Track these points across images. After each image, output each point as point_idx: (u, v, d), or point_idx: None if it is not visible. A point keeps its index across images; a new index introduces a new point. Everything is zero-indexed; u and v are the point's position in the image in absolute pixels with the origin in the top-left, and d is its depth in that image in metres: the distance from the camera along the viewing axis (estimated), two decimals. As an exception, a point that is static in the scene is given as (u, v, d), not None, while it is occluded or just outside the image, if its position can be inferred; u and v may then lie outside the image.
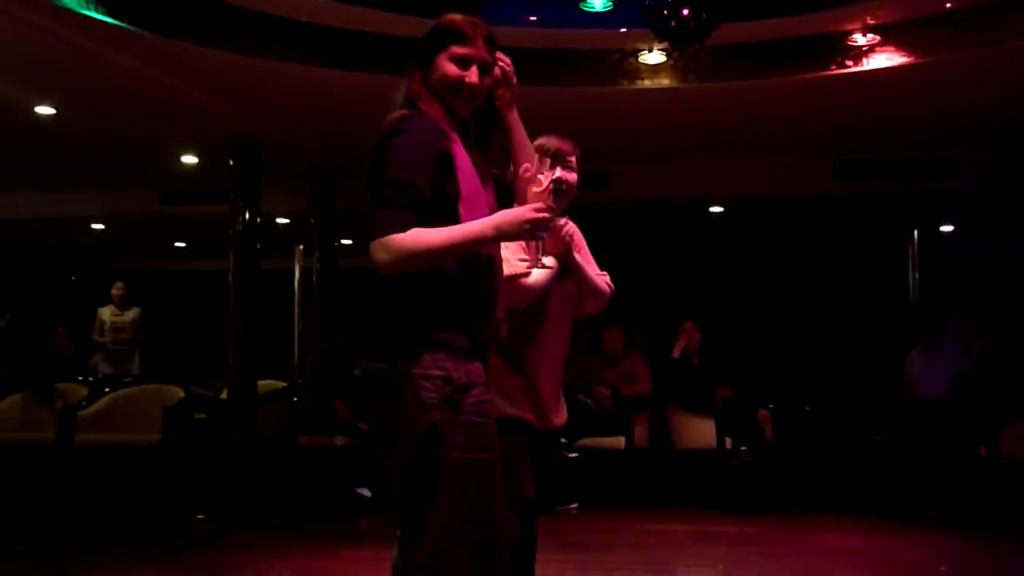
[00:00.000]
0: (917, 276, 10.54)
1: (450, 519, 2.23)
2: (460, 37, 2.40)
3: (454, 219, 2.27)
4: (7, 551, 5.97)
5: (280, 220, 11.32)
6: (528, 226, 2.26)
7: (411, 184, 2.24)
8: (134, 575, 5.75)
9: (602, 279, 3.20)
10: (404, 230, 2.20)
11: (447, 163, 2.31)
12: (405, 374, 2.25)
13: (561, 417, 3.14)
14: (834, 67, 6.70)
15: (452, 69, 2.39)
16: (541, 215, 2.26)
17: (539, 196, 2.33)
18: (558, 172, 2.44)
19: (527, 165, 2.45)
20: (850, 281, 12.86)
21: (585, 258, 3.17)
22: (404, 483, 2.29)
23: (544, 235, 2.35)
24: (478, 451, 2.28)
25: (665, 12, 5.32)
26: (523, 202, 2.38)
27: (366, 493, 7.77)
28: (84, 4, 5.59)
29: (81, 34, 5.93)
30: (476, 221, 2.28)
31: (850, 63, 6.65)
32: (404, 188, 2.23)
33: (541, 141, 3.04)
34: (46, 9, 5.56)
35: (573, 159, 3.10)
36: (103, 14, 5.69)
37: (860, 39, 6.42)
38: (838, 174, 9.16)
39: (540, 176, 2.36)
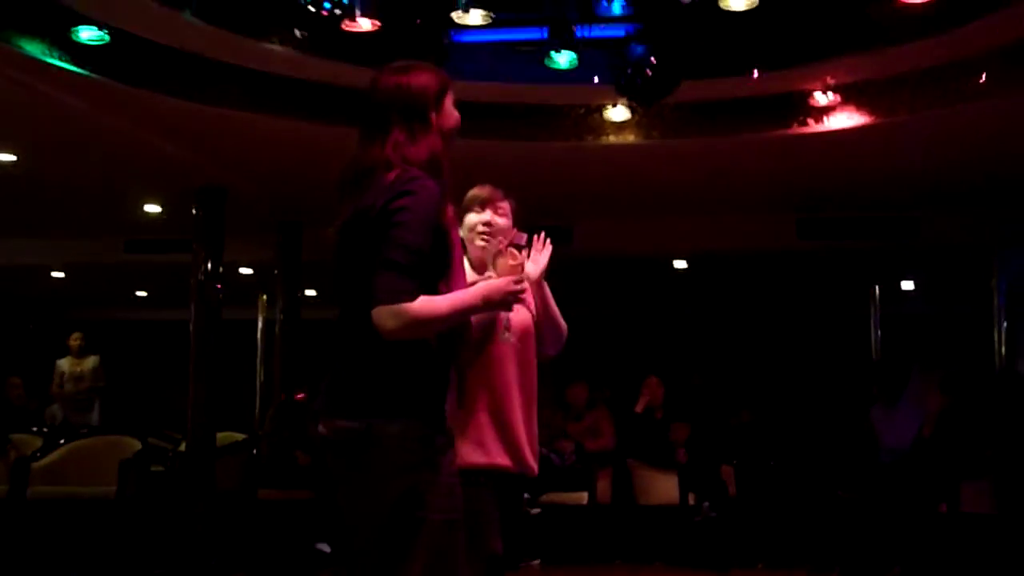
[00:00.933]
0: (879, 333, 10.63)
1: None
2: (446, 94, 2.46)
3: (433, 287, 2.29)
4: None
5: (244, 270, 11.26)
6: (510, 298, 2.37)
7: (420, 251, 2.24)
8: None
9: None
10: (414, 298, 2.21)
11: (442, 235, 2.31)
12: (383, 434, 2.23)
13: (535, 462, 3.10)
14: (796, 125, 6.80)
15: (456, 116, 2.45)
16: (519, 287, 2.38)
17: (514, 269, 2.46)
18: (524, 239, 2.50)
19: (501, 239, 2.49)
20: (812, 337, 12.94)
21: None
22: (376, 544, 2.24)
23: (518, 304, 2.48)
24: (454, 512, 2.29)
25: (629, 71, 5.39)
26: (499, 273, 2.48)
27: (325, 548, 7.64)
28: (48, 52, 5.58)
29: (44, 82, 5.91)
30: (465, 291, 2.34)
31: (812, 121, 6.75)
32: (414, 254, 2.22)
33: (474, 191, 3.11)
34: (9, 55, 5.54)
35: (504, 205, 3.12)
36: (67, 62, 5.67)
37: (821, 98, 6.52)
38: (801, 231, 9.24)
39: (512, 249, 2.48)
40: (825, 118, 6.72)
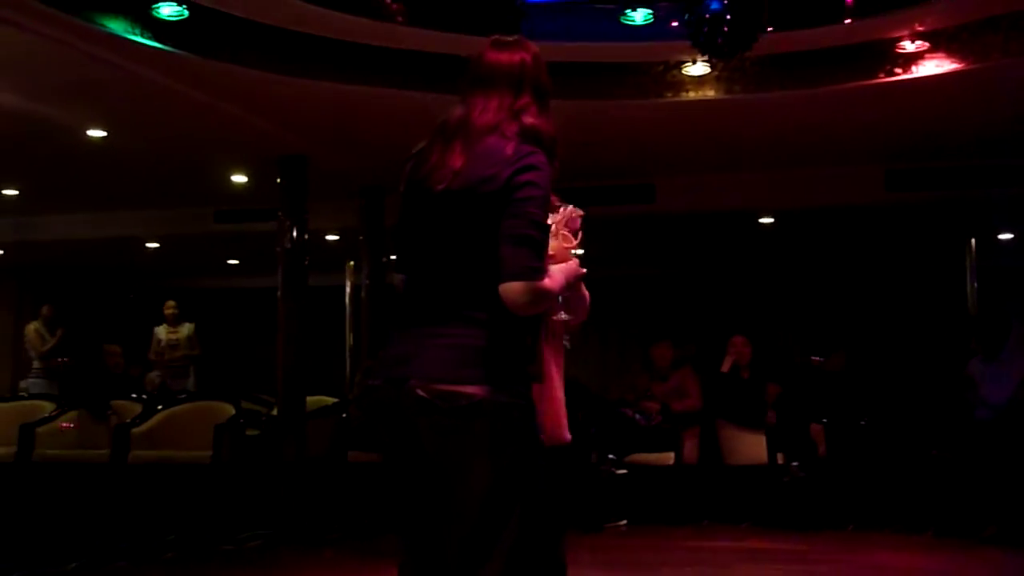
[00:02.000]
0: (975, 286, 10.30)
1: (520, 548, 2.25)
2: None
3: None
4: (62, 567, 6.05)
5: (330, 237, 11.41)
6: (580, 281, 2.46)
7: (547, 227, 2.30)
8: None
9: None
10: (544, 276, 2.26)
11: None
12: (492, 403, 2.25)
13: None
14: (882, 75, 6.59)
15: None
16: (583, 271, 2.45)
17: (568, 251, 2.43)
18: (579, 223, 2.47)
19: (556, 217, 2.46)
20: (905, 292, 12.63)
21: None
22: (478, 509, 2.26)
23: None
24: (547, 482, 2.33)
25: (706, 27, 5.27)
26: (555, 255, 2.44)
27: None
28: (130, 29, 5.70)
29: (128, 58, 6.04)
30: (555, 272, 2.36)
31: (899, 71, 6.54)
32: (544, 230, 2.28)
33: None
34: (93, 35, 5.67)
35: None
36: (148, 38, 5.79)
37: (909, 46, 6.30)
38: (890, 183, 9.00)
39: (566, 232, 2.45)
40: (913, 66, 6.51)
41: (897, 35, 6.32)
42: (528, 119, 2.36)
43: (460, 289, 2.32)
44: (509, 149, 2.29)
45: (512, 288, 2.22)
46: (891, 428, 7.85)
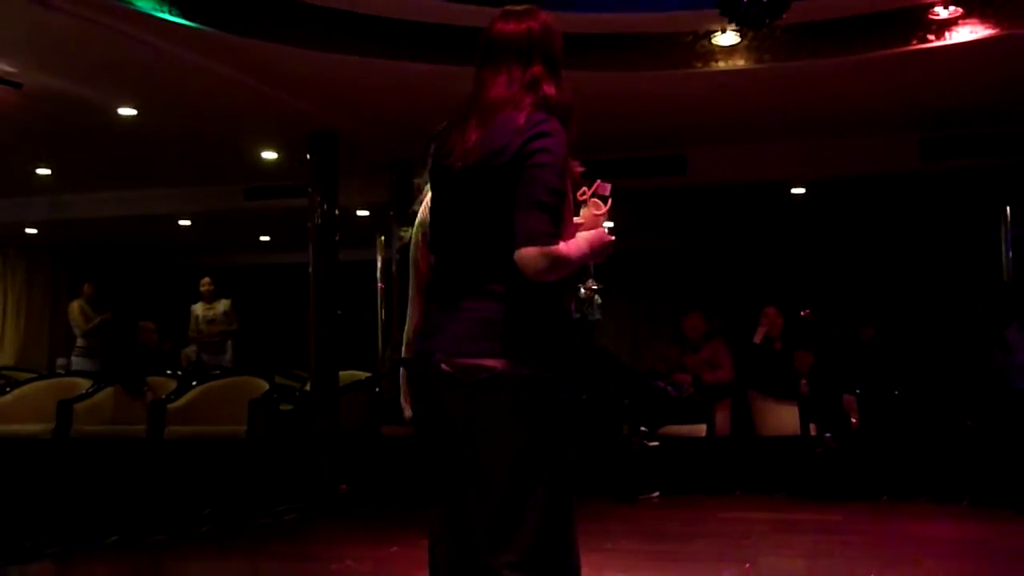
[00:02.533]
0: (1010, 255, 10.18)
1: (549, 518, 2.28)
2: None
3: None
4: (101, 541, 6.15)
5: (360, 212, 11.44)
6: (608, 248, 2.39)
7: (561, 193, 2.27)
8: (224, 565, 5.86)
9: None
10: (558, 241, 2.25)
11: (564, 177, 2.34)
12: (514, 375, 2.26)
13: None
14: (915, 42, 6.48)
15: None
16: (612, 238, 2.40)
17: (598, 219, 2.41)
18: (608, 190, 2.46)
19: (584, 188, 2.45)
20: (939, 262, 12.50)
21: None
22: (504, 482, 2.29)
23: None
24: (572, 453, 2.35)
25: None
26: (584, 222, 2.43)
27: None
28: (158, 7, 5.71)
29: (157, 36, 6.06)
30: (579, 238, 2.35)
31: (932, 37, 6.43)
32: (558, 195, 2.26)
33: None
34: (122, 13, 5.69)
35: None
36: (177, 15, 5.80)
37: (942, 12, 6.20)
38: (924, 152, 8.88)
39: (596, 199, 2.42)
40: (947, 32, 6.39)
41: (930, 1, 6.21)
42: (540, 89, 2.36)
43: (480, 263, 2.34)
44: (521, 119, 2.30)
45: (526, 254, 2.21)
46: (925, 398, 7.81)
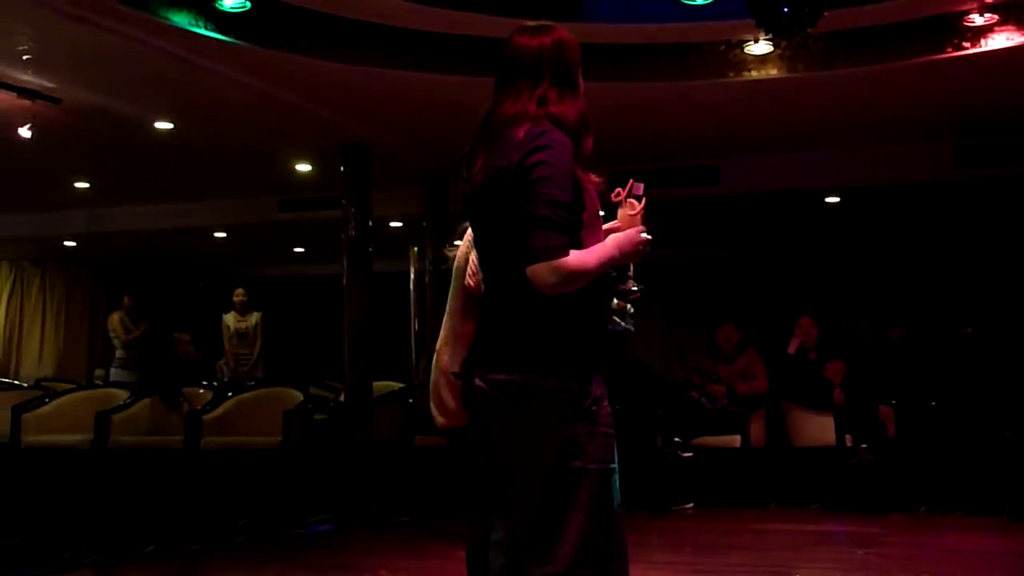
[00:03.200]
0: (1050, 264, 10.07)
1: (588, 530, 2.28)
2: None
3: (576, 239, 2.31)
4: (138, 551, 6.21)
5: (393, 223, 11.49)
6: (641, 248, 2.37)
7: (566, 204, 2.26)
8: (260, 575, 5.89)
9: None
10: (567, 252, 2.23)
11: (576, 186, 2.32)
12: (542, 387, 2.28)
13: None
14: (950, 49, 6.43)
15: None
16: (647, 237, 2.38)
17: (633, 219, 2.41)
18: (641, 190, 2.46)
19: (618, 190, 2.45)
20: (975, 271, 12.37)
21: None
22: (537, 494, 2.30)
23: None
24: (611, 462, 2.35)
25: (769, 5, 5.20)
26: (620, 223, 2.44)
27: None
28: (194, 22, 5.78)
29: (193, 51, 6.13)
30: (604, 243, 2.34)
31: (967, 45, 6.38)
32: (562, 207, 2.25)
33: None
34: (158, 28, 5.77)
35: None
36: (212, 31, 5.87)
37: (977, 19, 6.15)
38: (960, 160, 8.80)
39: (631, 200, 2.42)
40: (982, 39, 6.34)
41: (965, 8, 6.16)
42: (548, 105, 2.37)
43: (506, 279, 2.37)
44: (520, 133, 2.31)
45: (534, 270, 2.23)
46: (963, 409, 7.71)
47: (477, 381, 2.36)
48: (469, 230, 2.83)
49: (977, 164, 8.78)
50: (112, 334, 11.35)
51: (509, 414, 2.32)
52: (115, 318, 11.38)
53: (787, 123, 8.29)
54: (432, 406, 2.88)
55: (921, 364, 8.33)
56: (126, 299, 11.51)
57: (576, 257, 2.25)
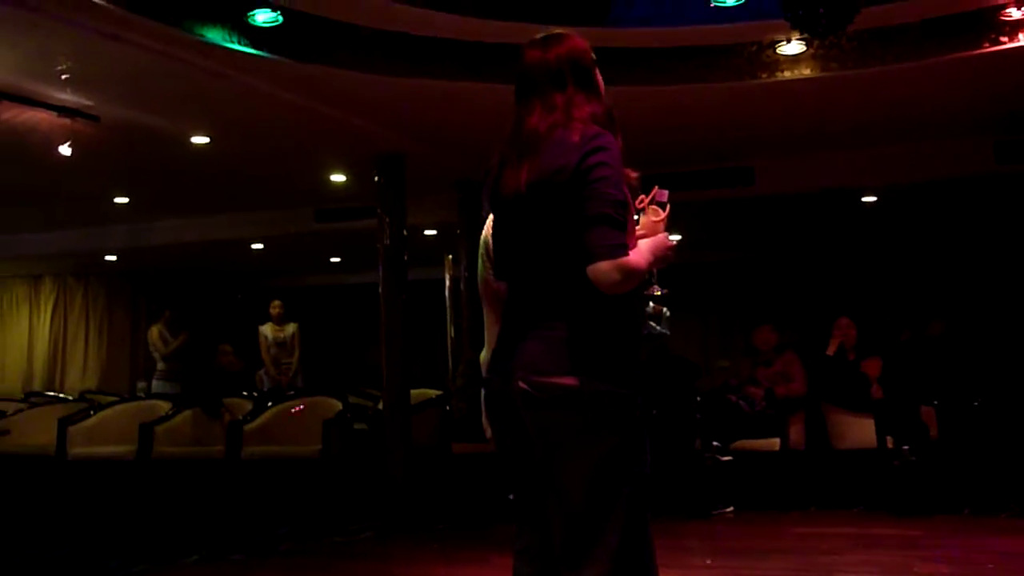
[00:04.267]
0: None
1: (628, 536, 2.30)
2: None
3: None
4: (182, 560, 6.27)
5: (428, 232, 11.54)
6: (670, 253, 2.42)
7: (624, 204, 2.31)
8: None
9: None
10: (628, 252, 2.28)
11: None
12: (595, 391, 2.29)
13: None
14: (987, 44, 6.36)
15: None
16: (673, 243, 2.43)
17: (656, 225, 2.44)
18: (666, 196, 2.48)
19: (642, 196, 2.47)
20: (1018, 268, 12.20)
21: None
22: (583, 499, 2.31)
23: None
24: (648, 467, 2.37)
25: (802, 4, 5.17)
26: (644, 229, 2.46)
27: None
28: (228, 38, 5.85)
29: (227, 66, 6.20)
30: (642, 245, 2.37)
31: (1005, 39, 6.30)
32: (624, 207, 2.30)
33: None
34: (194, 45, 5.84)
35: None
36: (246, 46, 5.94)
37: (1014, 13, 6.07)
38: (999, 155, 8.68)
39: (655, 206, 2.46)
40: (1020, 33, 6.26)
41: (1002, 2, 6.09)
42: (583, 108, 2.41)
43: (551, 283, 2.37)
44: (575, 136, 2.34)
45: (599, 268, 2.25)
46: (1007, 408, 7.61)
47: (520, 384, 2.35)
48: (487, 227, 2.84)
49: (1017, 159, 8.66)
50: (152, 347, 11.49)
51: (557, 419, 2.32)
52: (154, 331, 11.52)
53: (821, 123, 8.24)
54: (483, 416, 2.88)
55: (963, 362, 8.22)
56: (166, 313, 11.65)
57: (634, 256, 2.30)
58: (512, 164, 2.42)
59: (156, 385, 11.13)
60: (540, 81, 2.46)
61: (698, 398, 8.13)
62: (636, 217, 2.45)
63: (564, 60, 2.46)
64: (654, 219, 2.43)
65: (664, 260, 2.42)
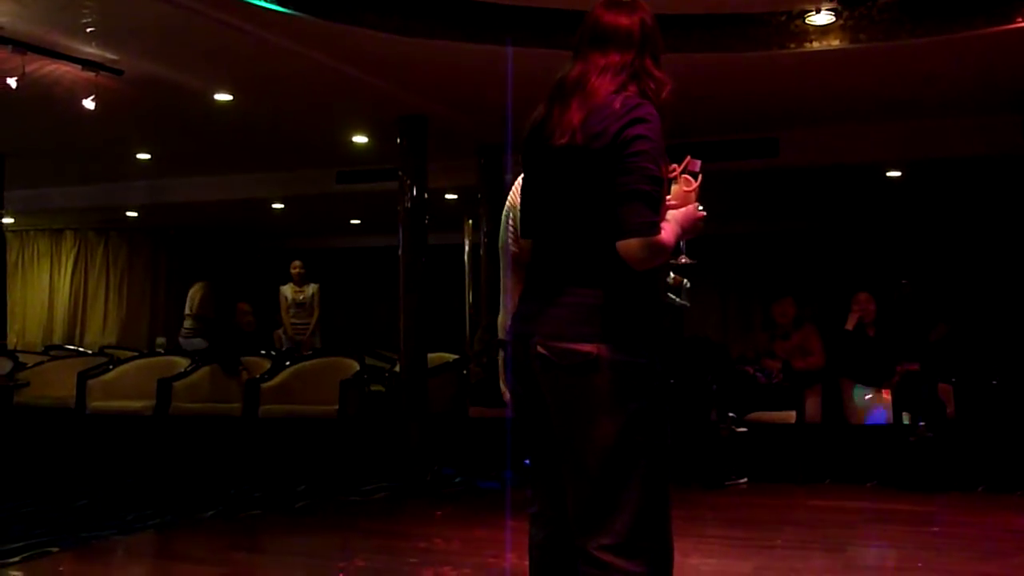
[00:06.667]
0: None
1: (644, 504, 2.30)
2: None
3: None
4: (199, 515, 6.34)
5: (449, 196, 11.53)
6: (700, 224, 2.42)
7: (660, 179, 2.29)
8: (316, 540, 5.98)
9: None
10: (660, 229, 2.27)
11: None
12: (614, 359, 2.29)
13: None
14: (1019, 19, 6.25)
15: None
16: (704, 214, 2.42)
17: (688, 195, 2.41)
18: (698, 166, 2.45)
19: (673, 165, 2.45)
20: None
21: None
22: (599, 466, 2.31)
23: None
24: (667, 437, 2.37)
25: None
26: (675, 199, 2.44)
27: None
28: (255, -6, 5.82)
29: (252, 23, 6.17)
30: (668, 220, 2.36)
31: (1038, 14, 6.22)
32: (658, 183, 2.28)
33: None
34: (220, 1, 5.82)
35: None
36: (272, 3, 5.91)
37: (1049, -12, 5.99)
38: (1029, 132, 8.60)
39: (686, 176, 2.43)
40: (1054, 9, 6.18)
41: (1036, -24, 6.01)
42: (646, 80, 2.39)
43: (577, 249, 2.36)
44: (617, 103, 2.31)
45: (630, 245, 2.23)
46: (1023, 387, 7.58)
47: (540, 349, 2.34)
48: (513, 192, 2.82)
49: (1047, 137, 8.57)
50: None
51: (575, 385, 2.31)
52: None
53: (848, 95, 8.15)
54: (500, 379, 2.88)
55: (991, 346, 8.17)
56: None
57: (665, 234, 2.28)
58: (565, 113, 2.37)
59: (187, 343, 10.81)
60: (615, 39, 2.42)
61: (716, 369, 8.14)
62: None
63: (648, 29, 2.45)
64: (685, 189, 2.41)
65: (694, 231, 2.42)
